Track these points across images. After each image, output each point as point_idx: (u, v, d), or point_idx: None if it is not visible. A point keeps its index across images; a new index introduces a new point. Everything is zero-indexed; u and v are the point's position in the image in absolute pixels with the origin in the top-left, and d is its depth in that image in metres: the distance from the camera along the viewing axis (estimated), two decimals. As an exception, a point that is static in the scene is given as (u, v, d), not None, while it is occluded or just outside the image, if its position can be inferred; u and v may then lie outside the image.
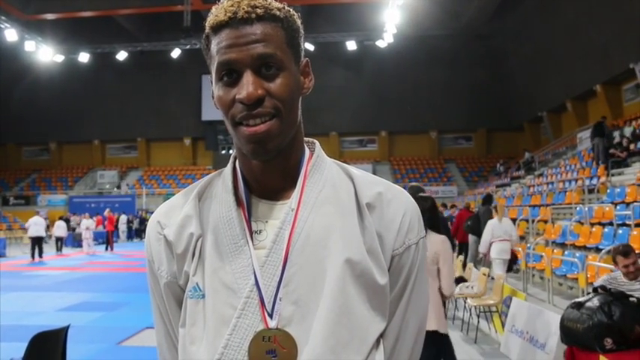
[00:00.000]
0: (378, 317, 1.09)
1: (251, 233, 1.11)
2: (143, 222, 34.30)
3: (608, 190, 14.18)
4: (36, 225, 21.18)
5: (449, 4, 30.19)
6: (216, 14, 1.10)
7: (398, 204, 1.14)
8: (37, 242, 21.10)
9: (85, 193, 39.57)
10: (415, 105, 37.66)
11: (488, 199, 13.44)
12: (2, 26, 28.52)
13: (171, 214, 1.18)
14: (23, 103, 39.20)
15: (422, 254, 1.17)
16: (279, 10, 1.10)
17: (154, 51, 35.73)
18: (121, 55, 34.68)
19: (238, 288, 1.07)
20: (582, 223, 12.26)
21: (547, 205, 16.26)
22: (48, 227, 32.15)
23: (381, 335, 1.10)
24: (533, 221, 15.07)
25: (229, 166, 1.20)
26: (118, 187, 40.07)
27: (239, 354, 1.04)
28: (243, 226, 1.11)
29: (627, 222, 10.87)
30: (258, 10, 1.07)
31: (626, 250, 4.91)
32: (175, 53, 33.08)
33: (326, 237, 1.08)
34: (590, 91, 26.02)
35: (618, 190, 13.49)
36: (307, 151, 1.19)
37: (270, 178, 1.14)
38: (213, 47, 1.10)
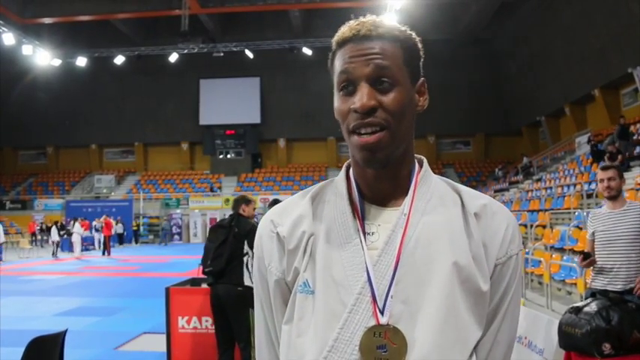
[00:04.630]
0: (477, 324, 1.13)
1: (364, 234, 1.17)
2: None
3: (607, 195, 14.15)
4: None
5: (447, 8, 30.24)
6: (343, 31, 1.20)
7: (502, 216, 1.21)
8: None
9: (82, 197, 39.45)
10: (413, 109, 37.72)
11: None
12: None
13: (285, 214, 1.25)
14: (20, 106, 39.19)
15: (520, 267, 1.23)
16: (399, 31, 1.19)
17: (151, 55, 35.75)
18: (119, 60, 34.69)
19: (349, 284, 1.12)
20: (581, 228, 12.23)
21: (545, 210, 16.27)
22: (44, 231, 32.27)
23: (475, 344, 1.15)
24: (531, 226, 15.07)
25: (342, 173, 1.27)
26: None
27: (349, 347, 1.09)
28: (356, 227, 1.17)
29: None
30: (380, 30, 1.17)
31: (606, 166, 4.96)
32: (173, 57, 33.12)
33: (435, 241, 1.14)
34: (588, 95, 26.08)
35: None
36: (417, 165, 1.26)
37: (382, 185, 1.21)
38: (337, 60, 1.19)
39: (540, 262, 11.29)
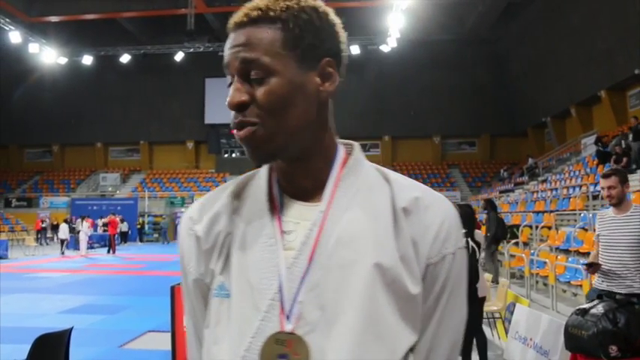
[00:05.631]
0: (409, 329, 1.03)
1: (281, 233, 1.07)
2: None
3: (613, 197, 14.09)
4: None
5: (453, 9, 30.21)
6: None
7: (436, 210, 1.08)
8: None
9: (87, 195, 39.56)
10: (418, 110, 37.70)
11: (493, 206, 13.42)
12: (6, 28, 28.60)
13: (204, 210, 1.15)
14: (26, 104, 39.32)
15: (460, 265, 1.09)
16: (280, 10, 1.04)
17: (157, 54, 35.81)
18: (125, 58, 34.76)
19: (263, 289, 1.03)
20: (586, 230, 12.20)
21: (551, 212, 16.22)
22: (46, 229, 32.28)
23: (412, 349, 1.04)
24: (536, 227, 15.03)
25: (266, 166, 1.17)
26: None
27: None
28: (274, 226, 1.07)
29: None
30: (254, 13, 1.04)
31: (606, 173, 4.89)
32: (179, 56, 33.18)
33: (357, 240, 1.03)
34: (594, 96, 25.97)
35: (622, 196, 13.42)
36: (342, 154, 1.14)
37: (297, 178, 1.11)
38: None
39: (545, 263, 11.27)
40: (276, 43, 1.03)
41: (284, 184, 1.12)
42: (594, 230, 5.16)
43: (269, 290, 1.02)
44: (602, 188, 4.85)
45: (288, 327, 0.99)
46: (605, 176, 4.84)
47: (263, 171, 1.16)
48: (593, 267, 4.82)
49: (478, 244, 6.73)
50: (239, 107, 1.02)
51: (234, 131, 1.04)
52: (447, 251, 1.07)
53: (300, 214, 1.09)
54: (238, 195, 1.15)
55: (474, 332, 5.63)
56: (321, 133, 1.11)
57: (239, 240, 1.08)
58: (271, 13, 1.03)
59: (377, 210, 1.07)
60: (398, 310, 1.01)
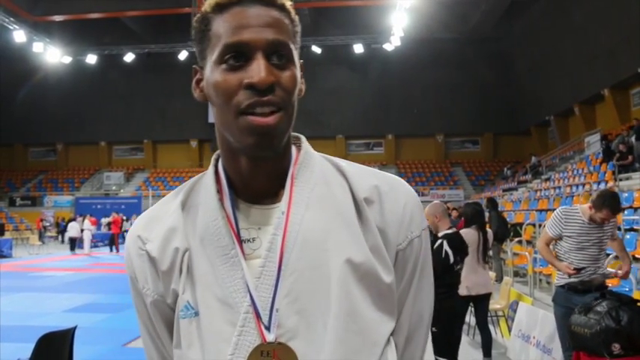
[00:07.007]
0: (387, 317, 1.03)
1: (240, 243, 1.02)
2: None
3: (616, 195, 14.07)
4: None
5: (456, 7, 30.17)
6: None
7: (397, 195, 1.08)
8: None
9: (91, 194, 39.62)
10: (422, 108, 37.64)
11: (494, 204, 13.42)
12: (11, 27, 28.65)
13: (153, 226, 1.09)
14: (30, 104, 39.34)
15: (425, 246, 1.11)
16: (291, 4, 1.03)
17: (160, 53, 35.85)
18: (128, 57, 34.81)
19: (235, 303, 0.99)
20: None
21: (554, 210, 16.17)
22: (46, 228, 32.27)
23: (392, 333, 1.05)
24: (540, 226, 14.99)
25: (211, 168, 1.11)
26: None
27: None
28: (231, 236, 1.02)
29: (635, 227, 10.81)
30: None
31: (617, 209, 4.93)
32: (182, 55, 33.18)
33: (324, 239, 1.01)
34: (597, 95, 25.91)
35: (626, 194, 13.41)
36: (294, 149, 1.11)
37: (260, 179, 1.05)
38: (218, 27, 0.99)
39: (549, 261, 11.24)
40: (290, 32, 1.02)
41: (239, 186, 1.07)
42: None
43: (242, 304, 0.98)
44: (604, 220, 4.86)
45: (270, 337, 0.96)
46: (616, 212, 4.94)
47: (209, 175, 1.10)
48: (578, 270, 4.91)
49: (486, 242, 6.75)
50: (269, 88, 0.96)
51: (253, 117, 0.96)
52: (414, 235, 1.08)
53: (259, 219, 1.05)
54: (189, 205, 1.09)
55: (455, 330, 5.55)
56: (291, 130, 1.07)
57: (199, 254, 1.03)
58: (285, 3, 1.02)
59: (338, 204, 1.04)
60: (373, 302, 1.01)
